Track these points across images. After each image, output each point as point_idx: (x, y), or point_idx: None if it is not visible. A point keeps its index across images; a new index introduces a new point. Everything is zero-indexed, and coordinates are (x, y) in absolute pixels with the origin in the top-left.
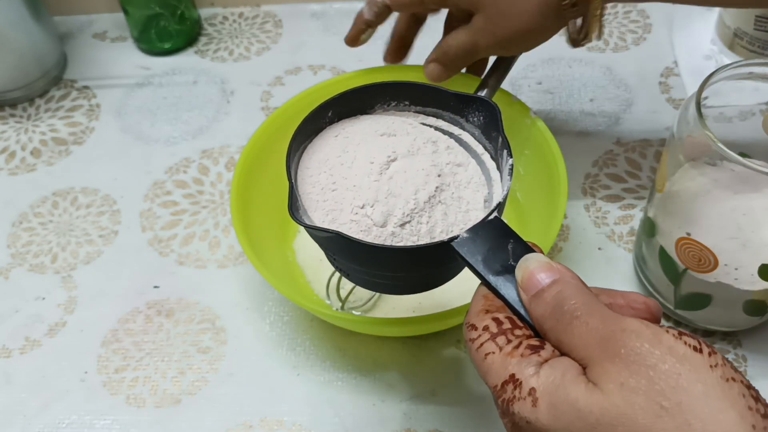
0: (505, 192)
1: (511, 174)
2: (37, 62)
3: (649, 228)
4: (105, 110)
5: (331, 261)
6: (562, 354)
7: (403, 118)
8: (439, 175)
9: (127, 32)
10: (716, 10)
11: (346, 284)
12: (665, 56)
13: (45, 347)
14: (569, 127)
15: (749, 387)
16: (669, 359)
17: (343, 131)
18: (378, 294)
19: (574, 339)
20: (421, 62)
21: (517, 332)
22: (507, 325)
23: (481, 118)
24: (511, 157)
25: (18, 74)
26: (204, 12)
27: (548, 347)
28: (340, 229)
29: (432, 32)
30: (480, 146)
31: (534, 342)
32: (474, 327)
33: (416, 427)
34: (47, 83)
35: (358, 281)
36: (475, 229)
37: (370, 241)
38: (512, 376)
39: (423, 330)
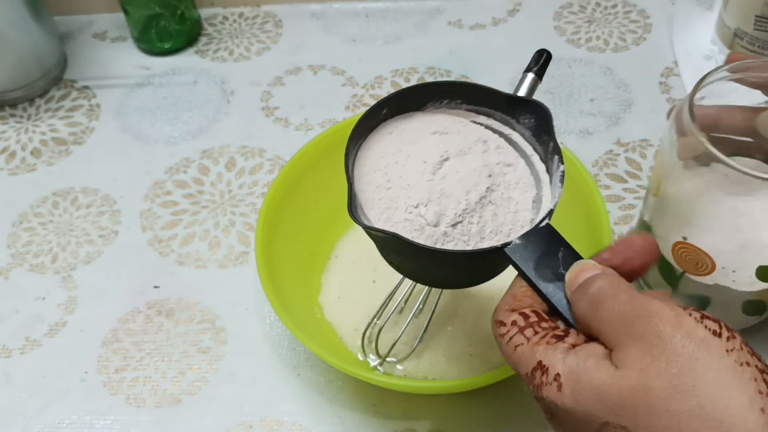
0: (556, 199)
1: (562, 181)
2: (38, 62)
3: (644, 231)
4: (105, 110)
5: (383, 255)
6: (593, 341)
7: (454, 116)
8: (489, 176)
9: (127, 32)
10: (716, 10)
11: (384, 339)
12: (665, 56)
13: (45, 347)
14: (569, 127)
15: (763, 371)
16: (688, 343)
17: (397, 129)
18: (417, 344)
19: (602, 322)
20: (417, 64)
21: (544, 324)
22: (533, 318)
23: (533, 120)
24: (563, 163)
25: (18, 74)
26: (204, 12)
27: (573, 334)
28: (394, 228)
29: (434, 32)
30: (530, 147)
31: (559, 332)
32: (502, 323)
33: (416, 427)
34: (47, 83)
35: (408, 275)
36: (527, 236)
37: (423, 242)
38: (540, 362)
39: (471, 387)
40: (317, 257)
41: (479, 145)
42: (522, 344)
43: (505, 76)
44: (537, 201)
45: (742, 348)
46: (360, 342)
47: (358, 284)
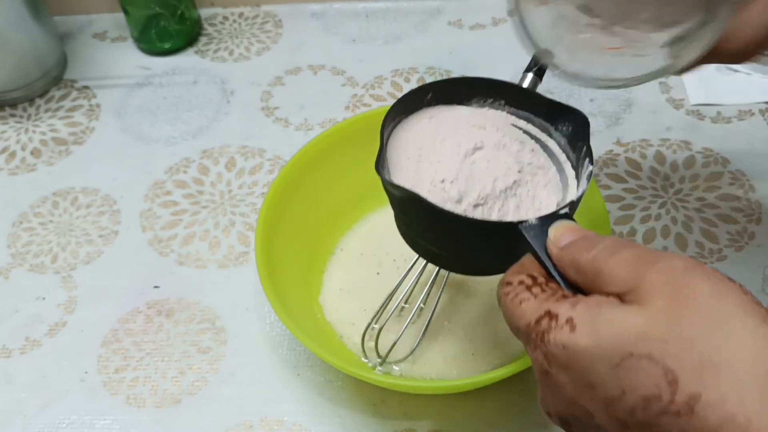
0: (579, 193)
1: (589, 179)
2: (38, 62)
3: None
4: (105, 110)
5: (398, 224)
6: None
7: (495, 116)
8: (519, 171)
9: (127, 32)
10: None
11: (384, 339)
12: None
13: (45, 347)
14: None
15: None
16: (711, 281)
17: (438, 114)
18: (417, 344)
19: (621, 263)
20: (417, 64)
21: (552, 285)
22: (541, 279)
23: (570, 128)
24: (592, 164)
25: (18, 74)
26: (204, 12)
27: (581, 296)
28: None
29: (434, 33)
30: (564, 155)
31: (567, 293)
32: (509, 283)
33: (416, 427)
34: (47, 83)
35: (421, 251)
36: (544, 218)
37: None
38: (548, 311)
39: (470, 387)
40: (317, 257)
41: (515, 144)
42: (528, 299)
43: (505, 76)
44: (561, 204)
45: (751, 293)
46: (360, 342)
47: (360, 277)
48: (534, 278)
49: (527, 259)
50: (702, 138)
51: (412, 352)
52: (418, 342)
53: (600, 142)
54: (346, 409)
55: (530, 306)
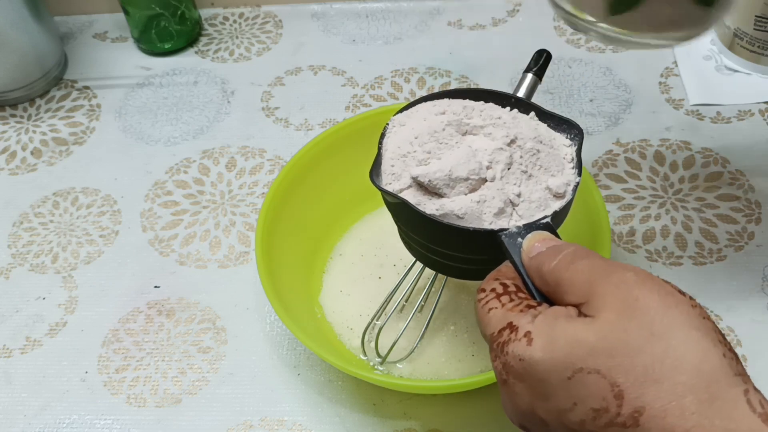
0: (563, 203)
1: (574, 192)
2: (38, 62)
3: None
4: (105, 110)
5: (399, 232)
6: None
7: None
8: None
9: (128, 32)
10: None
11: (384, 339)
12: (665, 56)
13: (45, 347)
14: None
15: (715, 326)
16: (661, 294)
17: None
18: (417, 344)
19: (577, 274)
20: (417, 64)
21: (521, 295)
22: (512, 288)
23: (575, 136)
24: (580, 176)
25: (19, 74)
26: (204, 12)
27: (545, 307)
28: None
29: (434, 33)
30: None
31: (533, 303)
32: (483, 290)
33: (416, 427)
34: (48, 83)
35: (416, 254)
36: (525, 227)
37: (425, 211)
38: (510, 323)
39: (468, 387)
40: (318, 257)
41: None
42: (496, 308)
43: (506, 77)
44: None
45: (701, 307)
46: (360, 342)
47: (361, 278)
48: (505, 286)
49: (505, 266)
50: (701, 138)
51: (412, 352)
52: (418, 341)
53: (599, 143)
54: (346, 409)
55: (496, 315)
